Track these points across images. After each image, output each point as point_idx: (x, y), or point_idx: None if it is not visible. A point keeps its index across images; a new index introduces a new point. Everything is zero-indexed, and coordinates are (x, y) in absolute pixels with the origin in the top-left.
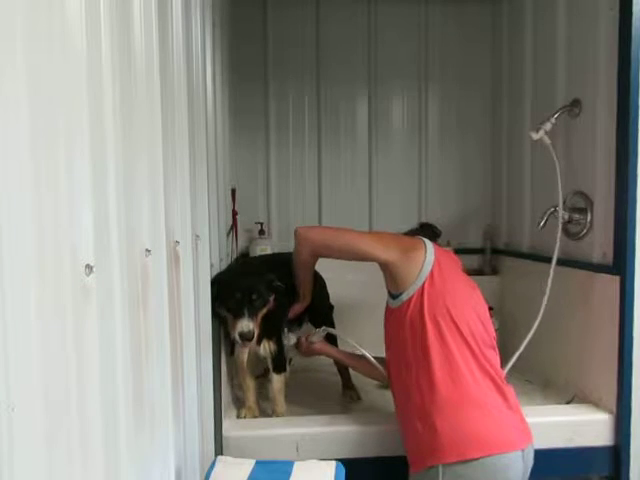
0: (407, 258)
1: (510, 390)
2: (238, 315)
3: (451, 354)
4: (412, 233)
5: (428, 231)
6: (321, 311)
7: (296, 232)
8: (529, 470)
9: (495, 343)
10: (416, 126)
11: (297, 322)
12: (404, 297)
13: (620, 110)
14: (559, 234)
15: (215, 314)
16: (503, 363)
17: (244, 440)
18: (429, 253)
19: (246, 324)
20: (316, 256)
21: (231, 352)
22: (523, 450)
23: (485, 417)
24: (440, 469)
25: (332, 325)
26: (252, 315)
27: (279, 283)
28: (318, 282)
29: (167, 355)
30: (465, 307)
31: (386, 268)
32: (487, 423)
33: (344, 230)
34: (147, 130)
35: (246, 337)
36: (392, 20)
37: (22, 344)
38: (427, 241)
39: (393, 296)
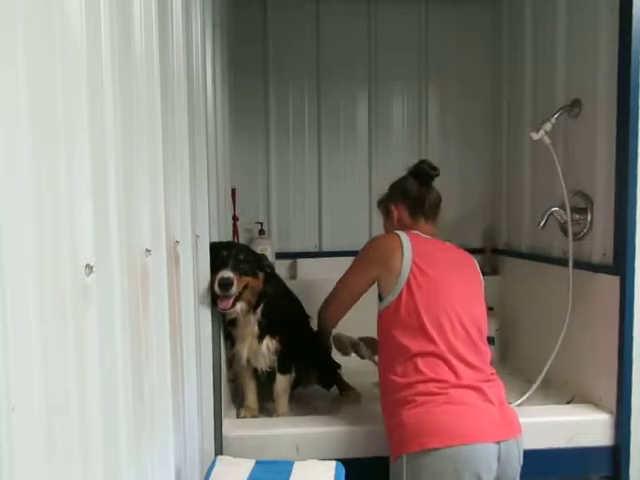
0: (386, 268)
1: (493, 385)
2: (220, 267)
3: (418, 359)
4: (398, 189)
5: (420, 177)
6: (329, 373)
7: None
8: (515, 465)
9: (481, 337)
10: (416, 126)
11: (304, 383)
12: (384, 303)
13: (620, 110)
14: (570, 236)
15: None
16: (501, 362)
17: (244, 440)
18: (406, 253)
19: (226, 272)
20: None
21: (231, 345)
22: (499, 442)
23: (449, 410)
24: (404, 458)
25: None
26: (235, 270)
27: (270, 263)
28: (323, 345)
29: (167, 355)
30: (440, 308)
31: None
32: (451, 415)
33: (337, 291)
34: (147, 130)
35: (225, 282)
36: (392, 20)
37: (22, 344)
38: (403, 237)
39: (380, 298)
